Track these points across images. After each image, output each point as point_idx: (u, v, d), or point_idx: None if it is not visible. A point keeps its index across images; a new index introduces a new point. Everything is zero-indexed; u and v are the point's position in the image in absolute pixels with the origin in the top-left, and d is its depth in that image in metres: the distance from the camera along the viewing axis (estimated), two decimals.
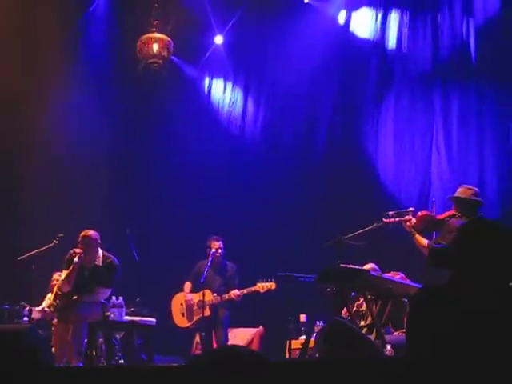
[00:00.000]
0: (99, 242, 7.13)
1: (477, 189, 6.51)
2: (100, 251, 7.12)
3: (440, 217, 6.52)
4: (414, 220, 6.50)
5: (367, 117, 9.72)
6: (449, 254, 5.45)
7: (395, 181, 9.36)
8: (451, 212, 6.48)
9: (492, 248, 2.73)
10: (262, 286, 7.90)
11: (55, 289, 7.38)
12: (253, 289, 7.98)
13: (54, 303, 7.37)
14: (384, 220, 6.59)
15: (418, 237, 6.44)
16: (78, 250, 6.93)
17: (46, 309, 7.81)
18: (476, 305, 2.61)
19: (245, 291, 8.02)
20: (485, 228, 2.82)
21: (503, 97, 8.91)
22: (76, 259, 6.88)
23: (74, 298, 6.90)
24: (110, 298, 7.00)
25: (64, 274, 7.00)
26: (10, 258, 7.97)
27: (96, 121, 9.91)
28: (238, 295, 7.97)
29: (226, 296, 8.03)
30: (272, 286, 7.87)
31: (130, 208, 9.89)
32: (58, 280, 7.48)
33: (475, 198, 6.41)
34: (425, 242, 6.36)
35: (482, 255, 2.72)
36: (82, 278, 6.98)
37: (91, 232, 7.08)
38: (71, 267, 6.90)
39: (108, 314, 6.87)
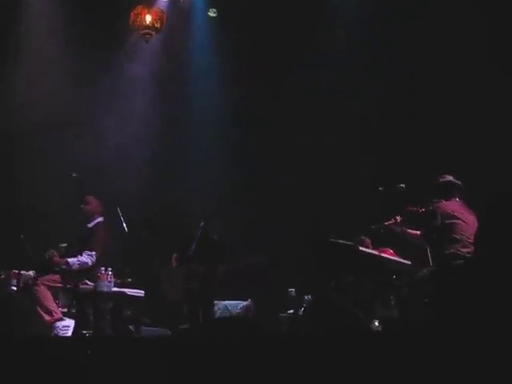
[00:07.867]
0: (99, 208, 7.64)
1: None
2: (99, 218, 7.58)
3: (422, 207, 6.52)
4: (399, 218, 6.51)
5: None
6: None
7: None
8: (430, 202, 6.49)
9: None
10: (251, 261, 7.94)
11: None
12: (242, 264, 8.00)
13: None
14: (372, 227, 6.65)
15: (409, 231, 6.44)
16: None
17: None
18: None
19: (234, 266, 8.03)
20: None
21: None
22: None
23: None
24: (97, 267, 7.03)
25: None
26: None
27: (80, 91, 9.82)
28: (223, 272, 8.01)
29: (215, 270, 8.02)
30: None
31: (122, 181, 9.81)
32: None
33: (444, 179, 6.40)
34: (417, 232, 6.34)
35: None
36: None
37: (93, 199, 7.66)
38: None
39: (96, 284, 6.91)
